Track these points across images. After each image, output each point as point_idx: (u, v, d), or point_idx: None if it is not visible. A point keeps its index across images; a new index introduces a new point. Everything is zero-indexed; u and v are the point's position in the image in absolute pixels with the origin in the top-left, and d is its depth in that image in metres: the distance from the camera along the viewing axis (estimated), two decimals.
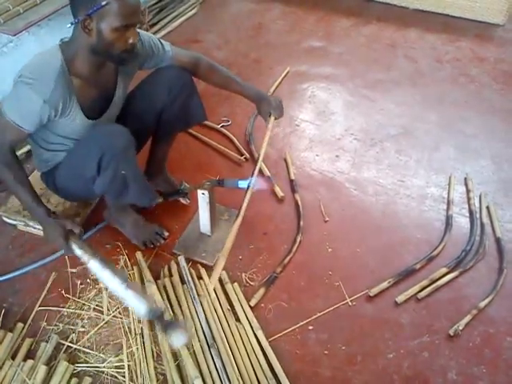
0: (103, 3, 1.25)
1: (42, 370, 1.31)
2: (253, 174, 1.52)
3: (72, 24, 1.32)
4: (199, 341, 1.40)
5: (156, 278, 1.58)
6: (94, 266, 1.33)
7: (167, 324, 1.22)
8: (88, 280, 1.59)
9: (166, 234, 1.73)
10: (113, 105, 1.53)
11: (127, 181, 1.45)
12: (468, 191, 1.94)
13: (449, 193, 1.93)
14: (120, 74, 1.51)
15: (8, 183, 1.42)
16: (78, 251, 1.38)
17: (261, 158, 1.58)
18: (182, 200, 1.82)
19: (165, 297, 1.51)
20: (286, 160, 2.08)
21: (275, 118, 1.71)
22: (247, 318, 1.47)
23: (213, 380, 1.31)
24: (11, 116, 1.33)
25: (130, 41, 1.34)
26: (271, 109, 1.69)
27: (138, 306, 1.24)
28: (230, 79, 1.70)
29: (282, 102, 1.74)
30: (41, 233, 1.70)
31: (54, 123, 1.40)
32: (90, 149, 1.40)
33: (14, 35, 2.07)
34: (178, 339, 1.19)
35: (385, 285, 1.58)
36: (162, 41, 1.62)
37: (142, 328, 1.44)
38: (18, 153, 1.95)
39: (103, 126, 1.48)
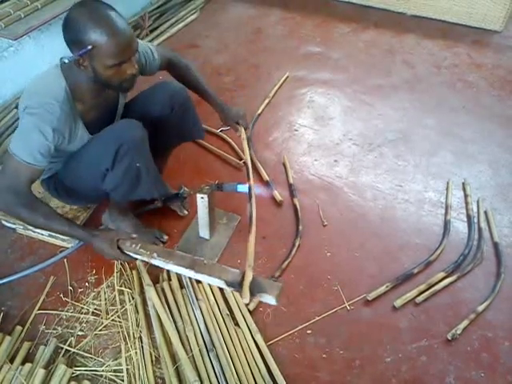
0: (89, 47, 1.23)
1: (40, 373, 1.31)
2: (250, 193, 1.51)
3: (68, 60, 1.27)
4: (198, 345, 1.40)
5: (155, 282, 1.58)
6: (157, 262, 1.33)
7: (253, 287, 1.19)
8: (87, 284, 1.60)
9: (166, 237, 1.73)
10: (117, 118, 1.56)
11: (140, 174, 1.47)
12: (466, 196, 1.94)
13: (447, 198, 1.94)
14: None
15: (38, 224, 1.40)
16: (134, 256, 1.39)
17: (250, 172, 1.56)
18: (179, 212, 1.82)
19: (164, 301, 1.52)
20: (284, 164, 2.09)
21: (244, 128, 1.75)
22: (246, 323, 1.47)
23: None
24: (22, 156, 1.30)
25: (128, 72, 1.32)
26: (239, 118, 1.74)
27: (214, 283, 1.25)
28: (200, 83, 1.74)
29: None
30: (40, 236, 1.71)
31: (62, 147, 1.40)
32: (106, 141, 1.41)
33: (15, 40, 2.08)
34: (267, 300, 1.19)
35: (383, 289, 1.58)
36: (151, 48, 1.61)
37: (140, 332, 1.44)
38: None
39: (118, 122, 1.50)
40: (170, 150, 1.82)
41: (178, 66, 1.72)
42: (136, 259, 1.42)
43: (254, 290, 1.19)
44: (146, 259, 1.36)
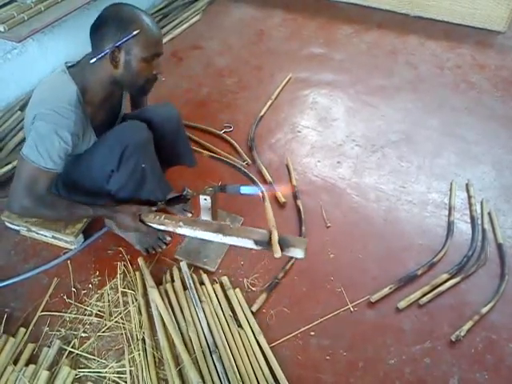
0: (135, 32, 1.26)
1: (43, 375, 1.32)
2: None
3: (98, 57, 1.29)
4: (201, 346, 1.40)
5: (158, 283, 1.58)
6: (183, 231, 1.37)
7: (282, 243, 1.23)
8: (90, 285, 1.60)
9: (168, 239, 1.73)
10: (118, 121, 1.57)
11: (145, 175, 1.49)
12: (469, 197, 1.94)
13: (450, 199, 1.94)
14: (123, 92, 1.56)
15: (62, 216, 1.49)
16: (159, 227, 1.43)
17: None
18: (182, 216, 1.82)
19: (167, 302, 1.52)
20: (287, 166, 2.09)
21: None
22: (249, 324, 1.47)
23: None
24: (41, 162, 1.31)
25: (155, 71, 1.37)
26: None
27: (243, 244, 1.29)
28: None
29: None
30: (43, 238, 1.72)
31: (74, 150, 1.41)
32: (112, 143, 1.43)
33: (19, 42, 2.08)
34: (295, 253, 1.22)
35: (386, 291, 1.58)
36: None
37: (143, 333, 1.44)
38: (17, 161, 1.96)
39: (123, 123, 1.51)
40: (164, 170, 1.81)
41: None
42: (159, 230, 1.46)
43: (283, 245, 1.24)
44: (171, 229, 1.40)
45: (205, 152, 1.78)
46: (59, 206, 1.42)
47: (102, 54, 1.30)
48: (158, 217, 1.43)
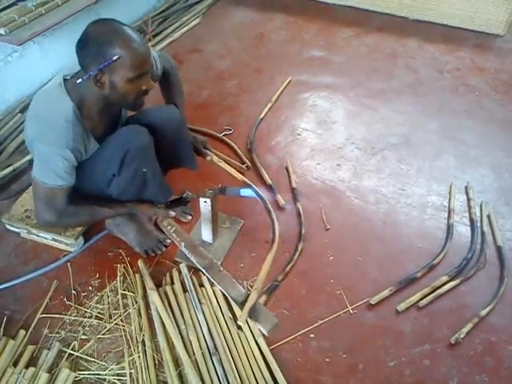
0: (115, 58, 1.24)
1: (43, 377, 1.32)
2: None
3: (83, 79, 1.29)
4: (201, 349, 1.40)
5: (158, 285, 1.58)
6: (182, 249, 1.48)
7: (252, 312, 1.24)
8: (90, 288, 1.60)
9: (168, 241, 1.73)
10: (120, 126, 1.58)
11: (146, 179, 1.51)
12: (469, 200, 1.94)
13: (449, 201, 1.94)
14: None
15: (86, 222, 1.60)
16: (167, 235, 1.53)
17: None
18: (182, 219, 1.82)
19: (166, 305, 1.52)
20: (287, 168, 2.09)
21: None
22: (249, 326, 1.47)
23: None
24: (51, 182, 1.34)
25: (144, 87, 1.35)
26: (206, 143, 1.84)
27: (223, 291, 1.35)
28: (178, 105, 1.74)
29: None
30: (44, 240, 1.72)
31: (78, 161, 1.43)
32: (113, 147, 1.44)
33: (19, 45, 2.09)
34: (260, 328, 1.24)
35: (386, 293, 1.58)
36: (155, 57, 1.60)
37: (143, 336, 1.44)
38: (18, 163, 1.99)
39: (124, 128, 1.52)
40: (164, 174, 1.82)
41: (170, 81, 1.72)
42: (167, 238, 1.58)
43: (252, 315, 1.26)
44: (175, 243, 1.51)
45: (214, 157, 1.79)
46: (82, 214, 1.47)
47: (86, 76, 1.28)
48: (169, 227, 1.51)
